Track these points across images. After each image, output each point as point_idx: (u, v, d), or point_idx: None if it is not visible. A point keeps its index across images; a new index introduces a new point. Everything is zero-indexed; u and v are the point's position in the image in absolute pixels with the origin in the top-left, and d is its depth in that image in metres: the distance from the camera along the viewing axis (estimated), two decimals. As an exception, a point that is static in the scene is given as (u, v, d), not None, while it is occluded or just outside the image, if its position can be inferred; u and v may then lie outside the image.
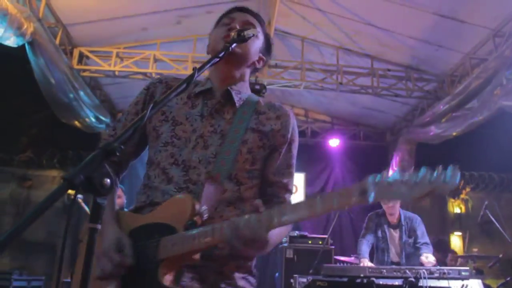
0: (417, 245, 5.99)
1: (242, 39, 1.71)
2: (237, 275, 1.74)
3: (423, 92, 8.62)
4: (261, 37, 1.97)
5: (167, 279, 1.53)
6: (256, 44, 1.92)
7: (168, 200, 1.67)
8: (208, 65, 1.50)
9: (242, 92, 1.91)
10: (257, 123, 1.83)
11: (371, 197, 1.21)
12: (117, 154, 1.07)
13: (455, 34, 7.21)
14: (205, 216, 1.60)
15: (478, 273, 6.95)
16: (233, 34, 1.72)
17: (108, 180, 1.06)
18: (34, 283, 8.51)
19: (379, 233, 6.11)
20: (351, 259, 6.43)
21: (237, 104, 1.85)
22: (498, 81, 6.74)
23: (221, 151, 1.73)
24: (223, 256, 1.67)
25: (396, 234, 6.12)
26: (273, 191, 1.87)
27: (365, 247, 5.94)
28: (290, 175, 1.92)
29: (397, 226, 6.13)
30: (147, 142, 1.91)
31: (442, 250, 7.90)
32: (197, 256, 1.54)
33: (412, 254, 6.03)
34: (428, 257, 5.54)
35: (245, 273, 1.78)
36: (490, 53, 7.19)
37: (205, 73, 1.80)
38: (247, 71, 1.98)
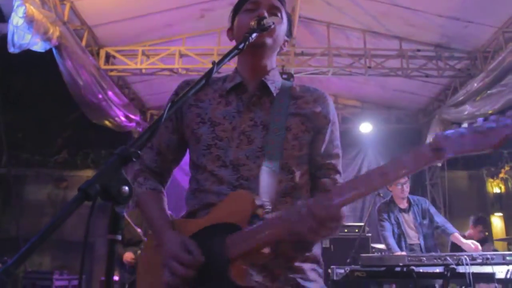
0: (438, 224, 5.96)
1: (262, 29, 1.64)
2: (306, 267, 1.70)
3: (454, 70, 8.39)
4: (285, 20, 1.88)
5: (240, 278, 1.48)
6: (282, 29, 1.84)
7: (224, 199, 1.62)
8: (228, 58, 1.43)
9: (275, 80, 1.84)
10: (296, 107, 1.78)
11: (448, 152, 1.19)
12: (134, 160, 1.02)
13: (485, 8, 6.97)
14: (267, 208, 1.56)
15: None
16: (252, 23, 1.65)
17: (126, 188, 1.02)
18: (74, 282, 8.67)
19: (392, 220, 6.03)
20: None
21: (274, 94, 1.79)
22: (534, 54, 6.51)
23: (268, 142, 1.68)
24: (290, 249, 1.63)
25: (409, 217, 6.04)
26: (323, 174, 1.81)
27: (391, 239, 5.84)
28: (338, 156, 1.86)
29: (408, 209, 6.06)
30: (187, 147, 1.88)
31: (482, 225, 7.68)
32: (267, 250, 1.49)
33: (429, 235, 5.98)
34: (477, 246, 5.46)
35: (313, 263, 1.74)
36: (524, 25, 6.95)
37: (230, 65, 1.75)
38: (275, 57, 1.92)
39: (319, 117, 1.80)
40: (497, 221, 10.94)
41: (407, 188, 6.01)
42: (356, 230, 6.45)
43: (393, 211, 6.08)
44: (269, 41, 1.75)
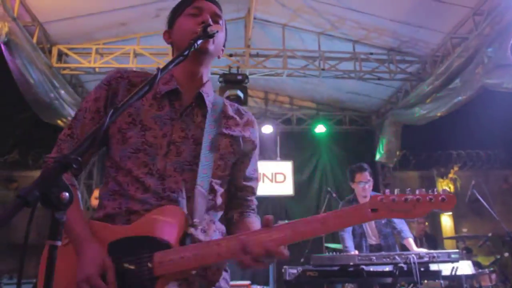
0: (395, 225, 6.01)
1: (209, 36, 1.65)
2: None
3: (406, 74, 8.62)
4: (224, 29, 1.90)
5: None
6: (222, 37, 1.86)
7: (152, 210, 1.59)
8: (173, 64, 1.43)
9: (210, 94, 1.85)
10: (227, 128, 1.81)
11: (380, 214, 1.43)
12: (75, 167, 1.02)
13: (435, 14, 7.19)
14: (199, 228, 1.60)
15: (468, 252, 7.02)
16: (199, 29, 1.66)
17: (67, 194, 1.02)
18: (25, 286, 8.43)
19: None
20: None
21: (208, 109, 1.80)
22: (480, 59, 6.77)
23: (200, 159, 1.69)
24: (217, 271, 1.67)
25: None
26: (242, 195, 1.89)
27: (349, 241, 5.91)
28: (257, 179, 1.95)
29: None
30: (106, 140, 1.77)
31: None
32: (194, 271, 1.53)
33: (389, 234, 6.04)
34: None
35: (224, 271, 1.77)
36: (470, 32, 7.21)
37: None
38: (210, 67, 1.94)
39: (247, 142, 1.87)
40: (446, 220, 11.27)
41: (369, 187, 6.05)
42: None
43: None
44: (211, 47, 1.76)
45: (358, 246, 5.87)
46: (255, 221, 1.83)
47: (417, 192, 1.44)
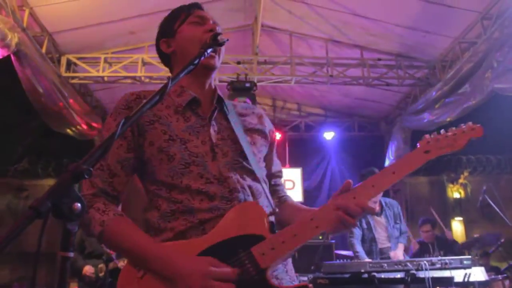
0: (402, 231, 6.14)
1: (219, 44, 1.65)
2: None
3: (414, 79, 8.58)
4: None
5: (275, 281, 1.57)
6: (223, 48, 1.87)
7: (226, 213, 1.57)
8: (183, 73, 1.43)
9: (224, 97, 1.90)
10: (249, 124, 1.87)
11: (432, 153, 1.64)
12: (86, 177, 1.01)
13: (443, 19, 7.17)
14: (276, 214, 1.69)
15: (485, 256, 6.97)
16: (206, 37, 1.67)
17: (79, 205, 1.01)
18: (36, 294, 8.47)
19: (364, 224, 6.07)
20: (352, 252, 6.42)
21: (228, 110, 1.84)
22: (489, 64, 6.71)
23: (243, 156, 1.74)
24: None
25: (381, 220, 6.10)
26: (276, 182, 2.01)
27: (359, 246, 5.91)
28: (280, 163, 2.08)
29: (381, 212, 6.11)
30: (141, 166, 1.73)
31: (426, 225, 7.86)
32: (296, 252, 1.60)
33: (397, 238, 6.11)
34: (396, 253, 5.82)
35: None
36: (479, 36, 7.17)
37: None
38: None
39: (270, 132, 1.97)
40: (457, 225, 11.19)
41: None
42: (320, 237, 6.51)
43: (365, 215, 6.12)
44: (217, 64, 1.81)
45: (369, 252, 5.85)
46: (294, 202, 1.97)
47: (452, 129, 1.70)
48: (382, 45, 8.35)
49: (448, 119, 7.84)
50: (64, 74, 7.88)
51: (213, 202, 1.60)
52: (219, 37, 1.64)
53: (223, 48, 1.82)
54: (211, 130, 1.73)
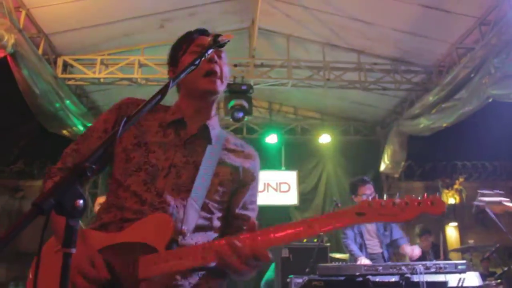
0: (394, 238, 6.08)
1: (219, 45, 1.64)
2: None
3: (411, 84, 8.60)
4: (225, 61, 1.95)
5: None
6: (227, 72, 1.92)
7: (142, 218, 1.64)
8: (184, 74, 1.44)
9: (215, 127, 1.92)
10: (227, 158, 1.88)
11: (368, 218, 1.42)
12: (88, 174, 1.02)
13: (441, 24, 7.20)
14: (187, 236, 1.65)
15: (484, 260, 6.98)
16: (209, 39, 1.66)
17: (81, 201, 1.02)
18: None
19: (355, 229, 6.10)
20: (347, 256, 6.42)
21: (213, 141, 1.85)
22: (486, 70, 6.73)
23: (196, 180, 1.74)
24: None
25: (371, 227, 6.12)
26: (238, 224, 1.91)
27: (353, 245, 5.93)
28: (254, 210, 1.98)
29: None
30: (110, 159, 1.84)
31: (425, 235, 7.90)
32: (178, 276, 1.57)
33: (388, 246, 6.10)
34: (414, 249, 5.77)
35: None
36: (476, 42, 7.19)
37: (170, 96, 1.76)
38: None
39: (247, 173, 1.92)
40: (452, 231, 11.21)
41: (371, 195, 6.02)
42: (315, 240, 6.49)
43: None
44: (220, 88, 1.85)
45: None
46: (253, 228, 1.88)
47: (409, 197, 1.43)
48: (379, 50, 8.37)
49: (444, 125, 7.86)
50: (61, 76, 7.86)
51: (142, 206, 1.67)
52: (219, 38, 1.64)
53: (225, 71, 1.87)
54: (180, 152, 1.78)
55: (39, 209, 0.94)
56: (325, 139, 10.52)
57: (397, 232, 6.17)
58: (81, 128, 8.28)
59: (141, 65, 8.15)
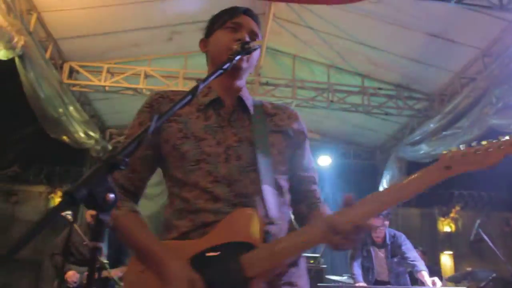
0: (409, 261, 5.83)
1: (247, 52, 1.66)
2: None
3: (413, 110, 8.65)
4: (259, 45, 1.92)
5: None
6: (257, 54, 1.87)
7: (225, 218, 1.57)
8: (213, 77, 1.44)
9: (248, 97, 1.87)
10: (274, 125, 1.82)
11: (454, 170, 1.39)
12: (121, 167, 1.01)
13: (445, 53, 7.27)
14: (277, 224, 1.60)
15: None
16: (236, 46, 1.66)
17: (112, 195, 0.99)
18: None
19: (364, 252, 6.02)
20: (343, 278, 6.37)
21: (250, 110, 1.81)
22: (488, 100, 6.79)
23: (258, 159, 1.68)
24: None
25: (381, 253, 5.99)
26: (306, 187, 1.86)
27: (358, 269, 5.85)
28: (315, 169, 1.94)
29: (382, 245, 6.00)
30: (159, 165, 1.81)
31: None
32: (285, 264, 1.54)
33: (402, 273, 5.93)
34: (436, 283, 5.36)
35: None
36: (479, 72, 7.26)
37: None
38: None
39: (297, 133, 1.87)
40: (446, 259, 11.17)
41: (383, 227, 5.97)
42: (311, 261, 6.46)
43: (367, 244, 6.02)
44: (245, 65, 1.79)
45: (365, 280, 5.79)
46: (325, 210, 1.81)
47: (483, 143, 1.40)
48: (383, 75, 8.43)
49: (445, 152, 7.87)
50: (66, 81, 7.86)
51: (217, 204, 1.60)
52: (246, 45, 1.65)
53: (255, 53, 1.80)
54: (229, 131, 1.73)
55: (71, 199, 0.91)
56: (324, 161, 10.51)
57: (412, 254, 5.91)
58: (82, 135, 8.26)
59: (147, 76, 8.17)
